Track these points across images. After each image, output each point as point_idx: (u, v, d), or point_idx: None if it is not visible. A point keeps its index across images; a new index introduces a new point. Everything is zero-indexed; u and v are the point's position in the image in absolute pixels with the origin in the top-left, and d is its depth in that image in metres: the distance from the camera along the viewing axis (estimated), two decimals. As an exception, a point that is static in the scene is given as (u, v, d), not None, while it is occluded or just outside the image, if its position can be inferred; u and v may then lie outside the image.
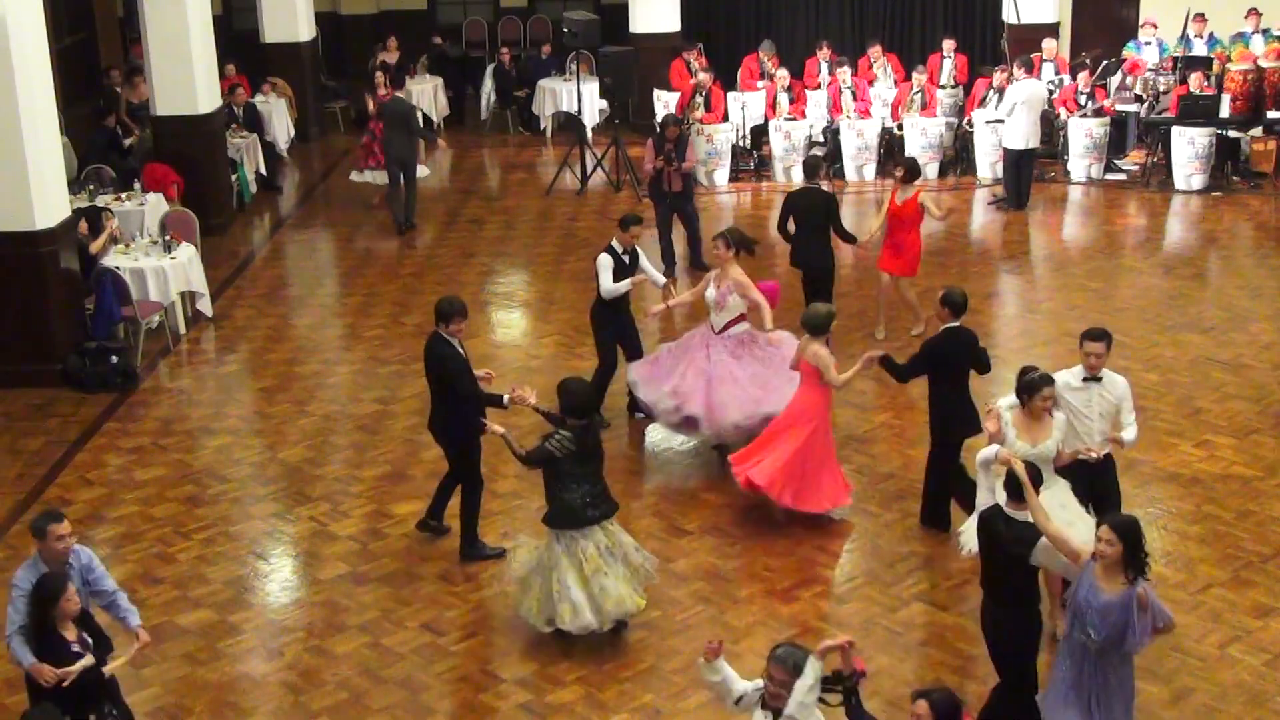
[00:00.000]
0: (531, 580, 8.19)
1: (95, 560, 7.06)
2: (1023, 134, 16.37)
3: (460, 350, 9.00)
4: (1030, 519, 6.76)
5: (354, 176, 17.60)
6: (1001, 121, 16.67)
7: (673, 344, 10.81)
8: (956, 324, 9.19)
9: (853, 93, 18.00)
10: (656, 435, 10.87)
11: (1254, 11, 18.40)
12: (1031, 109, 16.35)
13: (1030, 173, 16.74)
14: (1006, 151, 16.64)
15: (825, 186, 12.57)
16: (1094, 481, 8.13)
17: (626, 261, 10.76)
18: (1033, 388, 7.82)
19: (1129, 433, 8.18)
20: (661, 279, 11.32)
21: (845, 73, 18.05)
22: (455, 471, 9.24)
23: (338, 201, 18.13)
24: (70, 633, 6.56)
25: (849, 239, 12.46)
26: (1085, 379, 8.18)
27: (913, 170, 12.59)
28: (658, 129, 14.52)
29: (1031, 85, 16.46)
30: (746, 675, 7.82)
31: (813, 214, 12.23)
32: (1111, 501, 8.24)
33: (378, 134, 16.78)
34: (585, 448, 8.01)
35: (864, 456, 10.40)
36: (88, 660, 6.54)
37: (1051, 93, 18.04)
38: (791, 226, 12.40)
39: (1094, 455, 8.01)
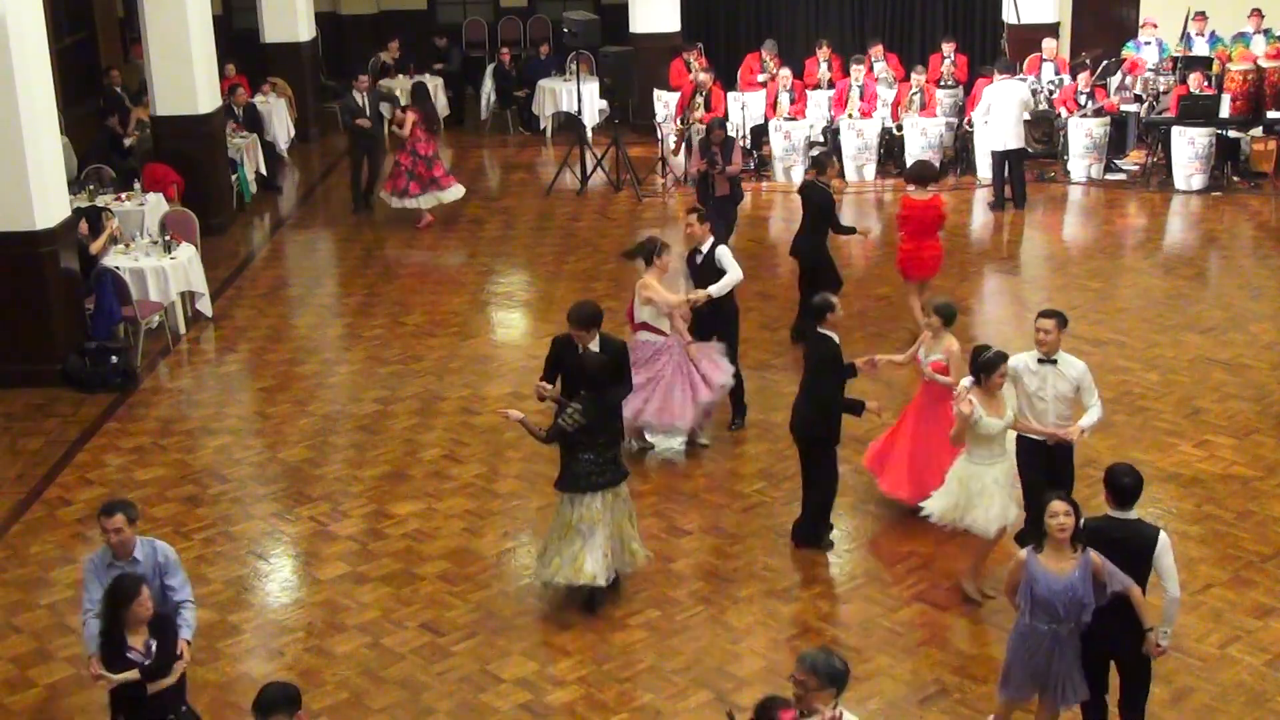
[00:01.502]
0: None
1: (174, 561, 6.93)
2: (1000, 135, 16.41)
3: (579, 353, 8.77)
4: (1135, 515, 6.83)
5: (395, 203, 16.61)
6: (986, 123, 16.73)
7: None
8: (821, 331, 9.05)
9: (860, 91, 17.99)
10: (657, 435, 10.87)
11: (1256, 12, 18.40)
12: (1008, 110, 16.34)
13: (1020, 173, 16.71)
14: (992, 153, 16.71)
15: (834, 184, 12.63)
16: (1054, 465, 8.42)
17: (698, 261, 10.71)
18: (991, 366, 8.09)
19: (1090, 416, 8.35)
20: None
21: (860, 70, 18.04)
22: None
23: (338, 201, 18.13)
24: (137, 638, 6.44)
25: (847, 231, 12.68)
26: (1040, 360, 8.31)
27: (921, 176, 12.53)
28: (704, 132, 14.43)
29: (1005, 87, 16.43)
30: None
31: (809, 209, 12.45)
32: (1065, 485, 8.35)
33: (422, 152, 16.34)
34: (594, 419, 8.19)
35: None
36: (131, 675, 6.41)
37: (1051, 93, 18.06)
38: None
39: (1071, 438, 8.33)
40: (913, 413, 9.48)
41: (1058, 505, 6.49)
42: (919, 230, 12.36)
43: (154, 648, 6.49)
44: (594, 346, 8.58)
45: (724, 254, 10.65)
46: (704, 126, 17.38)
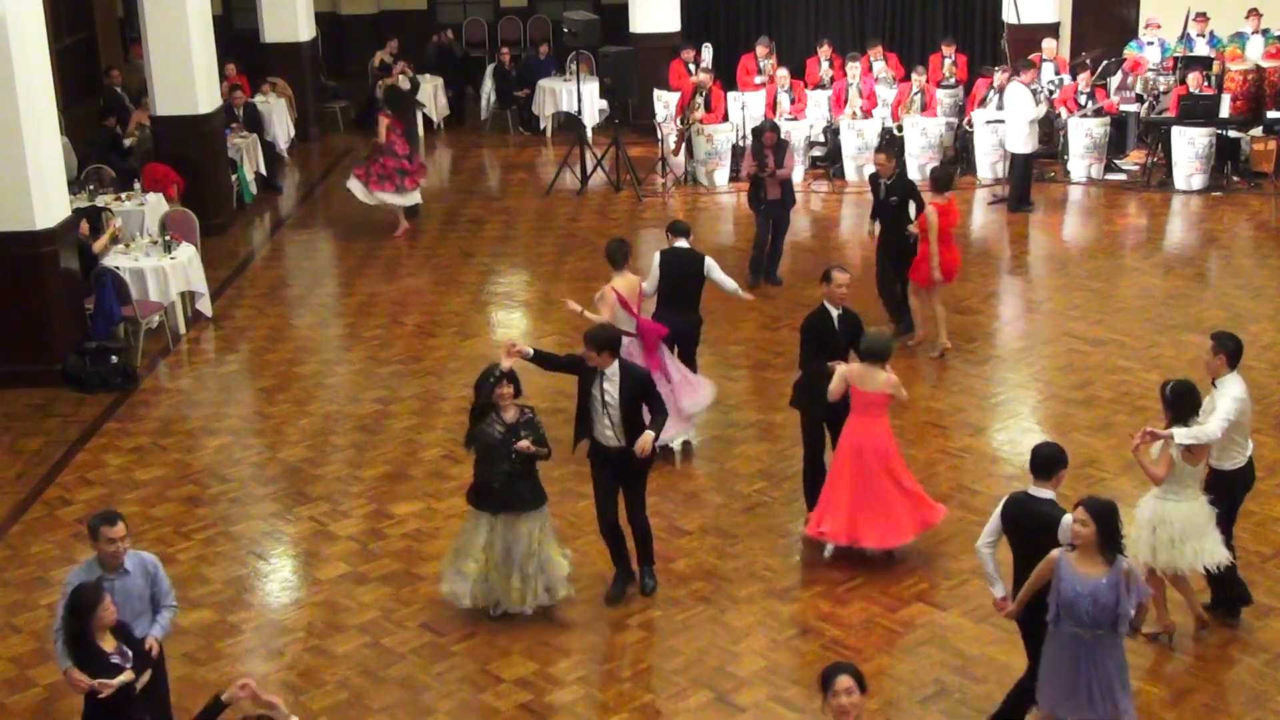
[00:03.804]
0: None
1: (161, 570, 6.98)
2: (1009, 136, 16.51)
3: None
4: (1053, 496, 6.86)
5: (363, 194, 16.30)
6: (1001, 121, 16.74)
7: None
8: (824, 303, 9.28)
9: (859, 89, 17.97)
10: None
11: (1254, 12, 18.39)
12: (1013, 113, 16.36)
13: (1017, 178, 16.64)
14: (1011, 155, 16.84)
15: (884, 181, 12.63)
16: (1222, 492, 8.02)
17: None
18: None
19: (1180, 433, 7.60)
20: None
21: (855, 69, 18.02)
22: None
23: (338, 201, 18.11)
24: (109, 644, 6.43)
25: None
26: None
27: (940, 181, 12.46)
28: (754, 134, 14.29)
29: (1014, 90, 16.46)
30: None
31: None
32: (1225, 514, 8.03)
33: (400, 152, 16.05)
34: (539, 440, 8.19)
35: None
36: (126, 676, 6.40)
37: (1051, 93, 18.05)
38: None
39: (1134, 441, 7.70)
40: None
41: (1079, 510, 6.39)
42: (947, 235, 12.33)
43: (129, 652, 6.49)
44: (611, 372, 8.24)
45: (709, 266, 10.64)
46: (703, 126, 17.49)
